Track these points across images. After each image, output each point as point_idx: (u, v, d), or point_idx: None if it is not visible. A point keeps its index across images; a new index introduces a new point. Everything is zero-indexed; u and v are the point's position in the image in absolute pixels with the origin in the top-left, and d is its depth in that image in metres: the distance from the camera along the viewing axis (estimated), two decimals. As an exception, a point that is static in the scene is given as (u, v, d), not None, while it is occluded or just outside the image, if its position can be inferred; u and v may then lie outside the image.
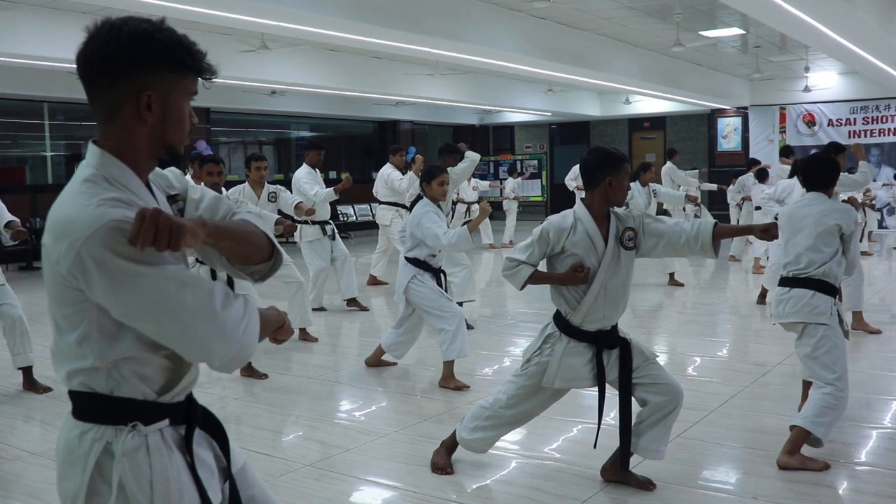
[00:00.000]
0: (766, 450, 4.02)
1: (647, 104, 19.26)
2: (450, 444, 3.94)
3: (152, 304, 1.51)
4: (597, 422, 3.68)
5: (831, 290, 3.98)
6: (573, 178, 14.08)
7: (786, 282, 4.09)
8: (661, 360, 6.44)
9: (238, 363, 1.63)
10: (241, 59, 11.16)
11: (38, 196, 13.99)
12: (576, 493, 3.63)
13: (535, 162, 21.26)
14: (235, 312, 1.58)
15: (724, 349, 6.90)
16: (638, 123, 21.81)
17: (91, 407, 1.63)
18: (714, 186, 15.07)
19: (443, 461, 3.91)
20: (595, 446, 3.71)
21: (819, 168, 4.21)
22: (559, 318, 3.55)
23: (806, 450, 3.88)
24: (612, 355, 3.55)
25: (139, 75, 1.56)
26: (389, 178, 9.81)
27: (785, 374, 5.64)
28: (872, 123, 16.86)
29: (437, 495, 3.66)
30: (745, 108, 18.10)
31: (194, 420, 1.73)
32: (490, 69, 13.23)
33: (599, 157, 3.46)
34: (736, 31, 11.83)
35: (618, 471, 3.69)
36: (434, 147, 21.97)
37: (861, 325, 6.79)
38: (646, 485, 3.64)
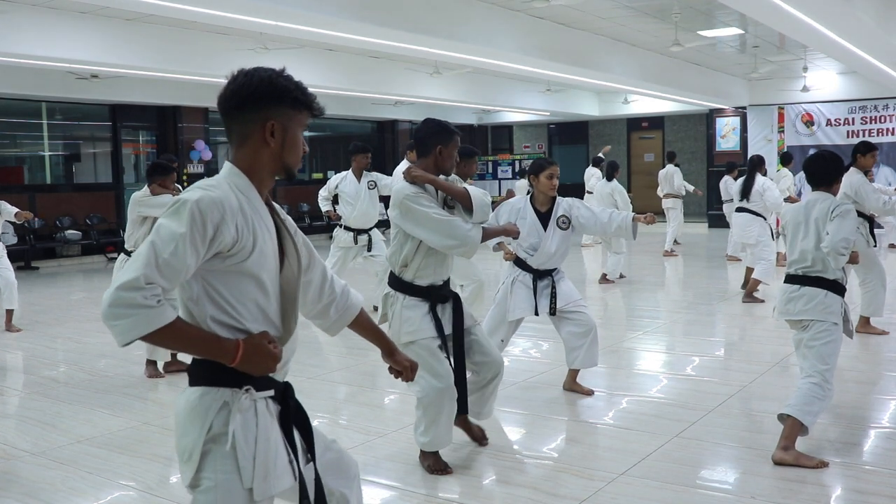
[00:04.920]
0: (765, 449, 4.03)
1: (646, 104, 19.26)
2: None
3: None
4: (452, 394, 3.84)
5: (841, 290, 4.05)
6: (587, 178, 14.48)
7: (794, 279, 4.11)
8: (660, 359, 6.48)
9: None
10: (240, 58, 11.11)
11: (37, 195, 14.00)
12: (575, 493, 3.64)
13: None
14: None
15: (722, 349, 6.91)
16: (636, 123, 21.82)
17: (213, 373, 1.96)
18: (691, 188, 15.09)
19: (438, 463, 3.90)
20: (466, 412, 4.02)
21: (821, 166, 4.20)
22: (392, 279, 3.82)
23: (798, 444, 3.89)
24: (445, 310, 3.83)
25: (265, 109, 1.99)
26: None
27: (783, 374, 5.65)
28: (871, 123, 16.86)
29: (437, 495, 3.67)
30: (744, 107, 18.10)
31: (290, 400, 2.09)
32: (489, 69, 13.22)
33: (432, 128, 3.76)
34: (734, 30, 11.83)
35: (461, 422, 4.13)
36: (433, 147, 21.96)
37: (867, 328, 6.78)
38: (480, 439, 4.22)
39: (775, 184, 10.94)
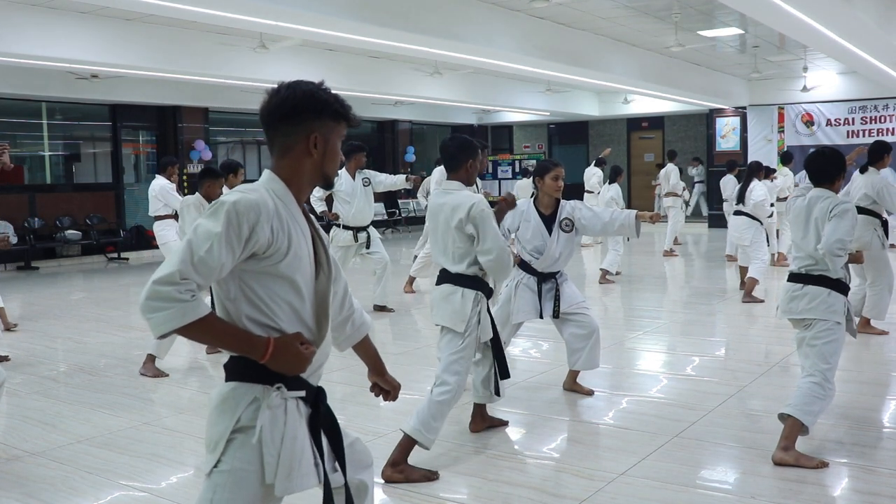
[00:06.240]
0: (765, 449, 4.03)
1: (646, 104, 19.26)
2: (405, 452, 3.86)
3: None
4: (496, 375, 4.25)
5: (845, 289, 4.04)
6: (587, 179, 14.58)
7: (797, 278, 4.10)
8: (660, 359, 6.48)
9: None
10: (240, 58, 11.15)
11: (37, 195, 14.00)
12: (575, 493, 3.64)
13: (534, 162, 21.27)
14: None
15: (722, 349, 6.91)
16: (636, 123, 21.82)
17: (247, 369, 2.02)
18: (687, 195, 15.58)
19: (420, 471, 3.84)
20: (498, 394, 4.33)
21: (822, 164, 4.18)
22: (478, 282, 3.95)
23: (799, 444, 3.89)
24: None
25: (308, 122, 2.07)
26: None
27: (783, 374, 5.65)
28: (871, 123, 16.86)
29: (437, 495, 3.66)
30: (744, 107, 18.10)
31: (322, 404, 2.14)
32: (489, 69, 13.22)
33: (461, 144, 4.01)
34: (734, 30, 11.83)
35: (482, 420, 4.50)
36: (433, 147, 21.98)
37: (866, 329, 6.77)
38: (501, 422, 4.61)
39: (774, 184, 11.07)
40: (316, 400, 2.13)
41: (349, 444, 2.26)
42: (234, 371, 2.05)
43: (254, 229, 1.94)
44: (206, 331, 1.93)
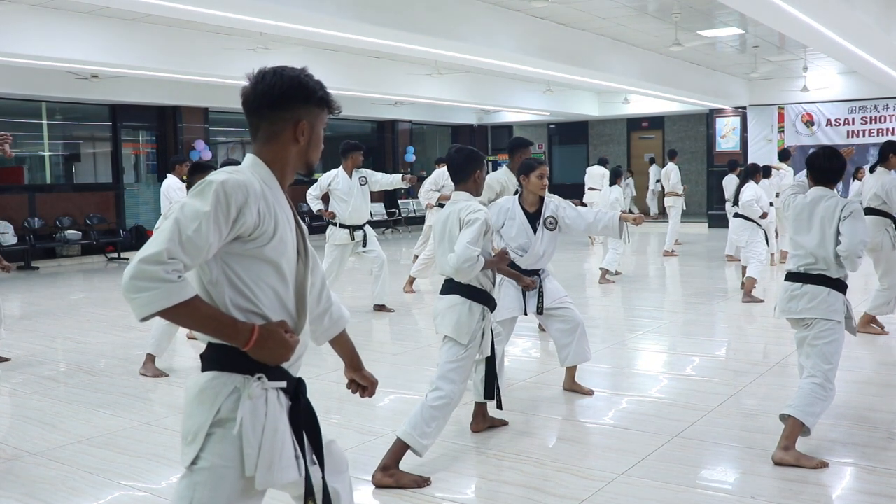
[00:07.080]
0: (765, 449, 4.03)
1: (646, 104, 19.27)
2: (397, 457, 3.79)
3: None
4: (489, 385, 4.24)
5: (844, 288, 4.04)
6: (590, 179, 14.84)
7: (796, 277, 4.09)
8: (660, 359, 6.48)
9: None
10: (240, 58, 11.15)
11: (37, 195, 14.00)
12: (575, 493, 3.64)
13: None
14: None
15: (722, 349, 6.91)
16: (636, 123, 21.82)
17: (227, 358, 1.96)
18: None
19: (411, 477, 3.77)
20: (500, 407, 4.32)
21: (825, 163, 4.17)
22: (486, 296, 3.96)
23: (799, 444, 3.89)
24: None
25: (296, 108, 2.07)
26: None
27: (783, 374, 5.65)
28: (871, 123, 16.87)
29: (436, 495, 3.66)
30: (744, 107, 18.11)
31: (302, 397, 2.10)
32: (488, 69, 13.23)
33: (467, 156, 4.00)
34: (734, 30, 11.83)
35: (483, 420, 4.49)
36: (433, 147, 21.99)
37: (866, 328, 6.77)
38: (501, 422, 4.59)
39: (771, 182, 11.14)
40: (296, 392, 2.09)
41: (326, 444, 2.21)
42: (213, 360, 1.99)
43: (241, 210, 1.91)
44: (190, 314, 1.86)
